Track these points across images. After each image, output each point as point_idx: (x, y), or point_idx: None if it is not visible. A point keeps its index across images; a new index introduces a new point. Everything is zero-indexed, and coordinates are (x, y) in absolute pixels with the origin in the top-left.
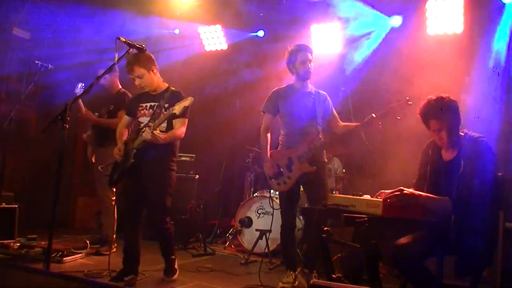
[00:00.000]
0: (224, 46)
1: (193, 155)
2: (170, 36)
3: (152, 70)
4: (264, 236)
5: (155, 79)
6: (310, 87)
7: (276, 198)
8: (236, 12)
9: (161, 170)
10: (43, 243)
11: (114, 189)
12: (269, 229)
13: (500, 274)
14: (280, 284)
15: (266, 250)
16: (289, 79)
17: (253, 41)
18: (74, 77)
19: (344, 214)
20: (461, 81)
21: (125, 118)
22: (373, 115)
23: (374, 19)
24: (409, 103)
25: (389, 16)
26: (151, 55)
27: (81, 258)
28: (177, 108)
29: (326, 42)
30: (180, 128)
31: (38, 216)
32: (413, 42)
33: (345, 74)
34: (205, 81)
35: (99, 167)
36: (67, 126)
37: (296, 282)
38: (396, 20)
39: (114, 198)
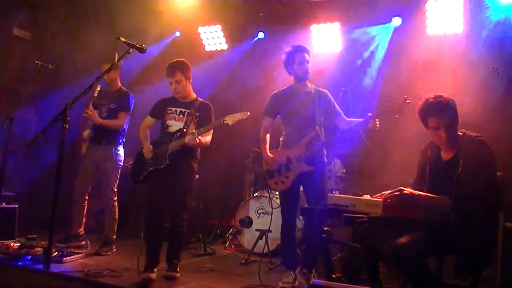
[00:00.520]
0: (224, 46)
1: None
2: (170, 36)
3: (189, 79)
4: (264, 236)
5: (188, 88)
6: (310, 86)
7: (276, 198)
8: (236, 12)
9: (190, 172)
10: (43, 243)
11: (116, 190)
12: (269, 229)
13: (500, 274)
14: (280, 284)
15: (266, 250)
16: (290, 78)
17: (253, 41)
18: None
19: (344, 214)
20: (461, 81)
21: (149, 120)
22: (369, 114)
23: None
24: (407, 101)
25: (390, 20)
26: (189, 64)
27: (81, 258)
28: (230, 120)
29: (326, 42)
30: (208, 136)
31: (38, 216)
32: (413, 42)
33: (345, 74)
34: (205, 81)
35: (126, 165)
36: (67, 126)
37: (296, 282)
38: (396, 20)
39: (116, 198)
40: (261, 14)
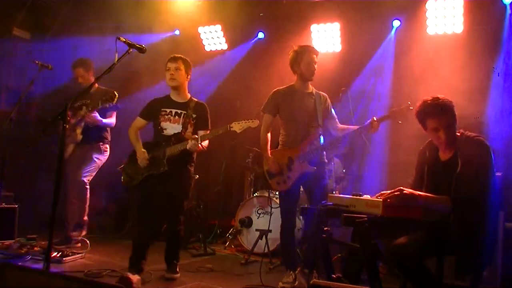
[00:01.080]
0: (224, 46)
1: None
2: (170, 36)
3: (188, 74)
4: (264, 236)
5: (185, 84)
6: (311, 88)
7: (276, 198)
8: (236, 12)
9: (188, 177)
10: (43, 243)
11: (92, 175)
12: (269, 229)
13: (500, 274)
14: (280, 284)
15: (266, 250)
16: (290, 78)
17: (253, 41)
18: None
19: (344, 214)
20: (461, 81)
21: (140, 121)
22: (374, 118)
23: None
24: (411, 108)
25: (391, 25)
26: (191, 64)
27: (81, 258)
28: (238, 127)
29: (326, 42)
30: (206, 141)
31: (38, 216)
32: (413, 42)
33: (345, 74)
34: (205, 81)
35: (96, 161)
36: (67, 126)
37: (296, 282)
38: (396, 21)
39: (88, 182)
40: (261, 14)
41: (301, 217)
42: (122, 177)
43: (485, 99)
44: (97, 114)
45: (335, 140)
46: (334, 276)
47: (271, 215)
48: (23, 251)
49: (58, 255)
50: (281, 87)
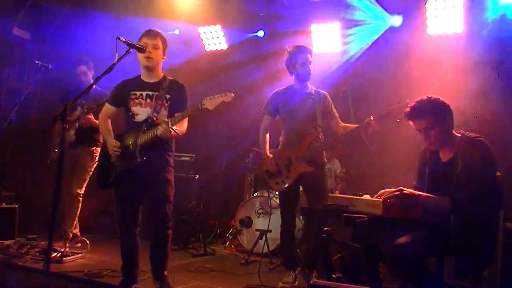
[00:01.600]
0: (224, 46)
1: (193, 155)
2: (170, 36)
3: (164, 54)
4: (264, 236)
5: (160, 64)
6: (310, 87)
7: (276, 198)
8: (236, 12)
9: (167, 168)
10: (43, 243)
11: (84, 186)
12: (269, 229)
13: (500, 274)
14: (280, 284)
15: (266, 250)
16: (290, 78)
17: (253, 41)
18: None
19: (344, 214)
20: (461, 81)
21: (109, 108)
22: (371, 117)
23: (374, 14)
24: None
25: (390, 14)
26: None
27: (81, 258)
28: (210, 104)
29: (326, 42)
30: (185, 123)
31: (38, 216)
32: (413, 42)
33: (345, 74)
34: (205, 81)
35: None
36: (67, 126)
37: (296, 282)
38: (396, 20)
39: (82, 193)
40: (261, 14)
41: (301, 217)
42: (96, 178)
43: (485, 99)
44: (92, 116)
45: (334, 140)
46: (334, 276)
47: (270, 215)
48: (23, 251)
49: (58, 255)
50: (280, 88)
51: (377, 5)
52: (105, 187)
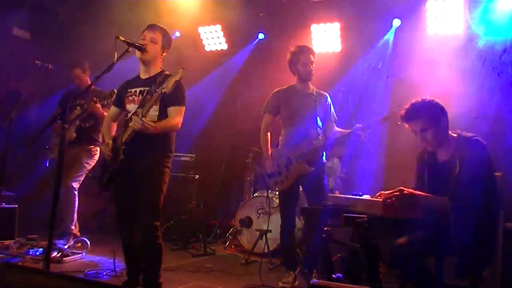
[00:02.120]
0: (224, 46)
1: (193, 155)
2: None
3: (164, 51)
4: (264, 236)
5: (157, 60)
6: (312, 88)
7: (276, 198)
8: (236, 12)
9: (154, 167)
10: (43, 243)
11: (80, 180)
12: (269, 229)
13: (500, 274)
14: (280, 284)
15: (266, 250)
16: (290, 79)
17: (253, 41)
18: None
19: (344, 214)
20: (461, 81)
21: (112, 110)
22: (360, 125)
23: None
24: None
25: (391, 24)
26: (171, 42)
27: (81, 258)
28: (167, 86)
29: (326, 42)
30: (176, 118)
31: (38, 216)
32: (413, 42)
33: (345, 74)
34: (205, 81)
35: (89, 174)
36: (67, 126)
37: (296, 282)
38: (396, 20)
39: (77, 188)
40: (261, 14)
41: (301, 217)
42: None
43: (485, 99)
44: (99, 106)
45: (335, 141)
46: (334, 276)
47: (270, 215)
48: (23, 251)
49: (58, 255)
50: (281, 88)
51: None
52: (102, 188)
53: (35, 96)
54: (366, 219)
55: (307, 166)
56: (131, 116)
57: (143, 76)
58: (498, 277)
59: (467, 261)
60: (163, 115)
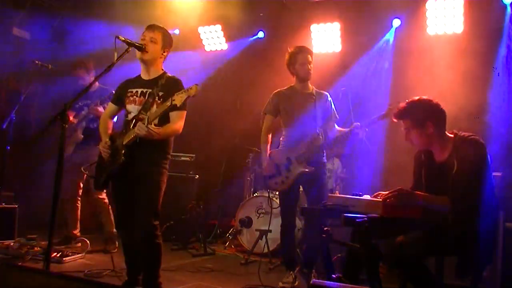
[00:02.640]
0: (224, 46)
1: (193, 155)
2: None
3: (164, 51)
4: (264, 236)
5: (158, 60)
6: (311, 88)
7: (276, 198)
8: (236, 12)
9: (153, 170)
10: (43, 243)
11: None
12: (269, 229)
13: (500, 274)
14: (280, 284)
15: (266, 250)
16: (290, 79)
17: (253, 41)
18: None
19: (344, 214)
20: (461, 81)
21: (111, 107)
22: (358, 123)
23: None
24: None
25: (391, 24)
26: (172, 42)
27: (81, 258)
28: (179, 99)
29: (326, 42)
30: (178, 122)
31: (38, 216)
32: (413, 42)
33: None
34: (205, 81)
35: (81, 168)
36: (67, 126)
37: (296, 282)
38: (396, 20)
39: (105, 195)
40: (261, 14)
41: (301, 217)
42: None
43: (485, 99)
44: (101, 109)
45: (334, 140)
46: (334, 276)
47: (270, 215)
48: (23, 251)
49: (58, 255)
50: (281, 88)
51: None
52: (99, 187)
53: (35, 96)
54: (366, 219)
55: (307, 166)
56: (133, 118)
57: (145, 76)
58: (498, 277)
59: (467, 261)
60: (165, 119)
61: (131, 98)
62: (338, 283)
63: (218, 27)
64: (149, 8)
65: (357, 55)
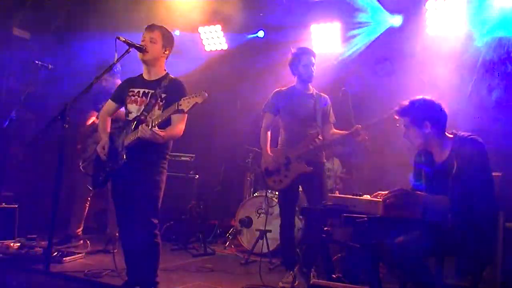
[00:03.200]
0: (224, 46)
1: (193, 155)
2: None
3: (166, 50)
4: (264, 236)
5: (160, 60)
6: (312, 89)
7: (276, 198)
8: (236, 12)
9: (153, 170)
10: (43, 243)
11: None
12: (269, 229)
13: (500, 274)
14: (280, 284)
15: (266, 250)
16: (290, 78)
17: (253, 41)
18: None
19: (344, 214)
20: (461, 81)
21: (110, 104)
22: (359, 126)
23: (372, 13)
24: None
25: (390, 13)
26: (174, 41)
27: (81, 258)
28: (186, 104)
29: (326, 42)
30: (179, 125)
31: (38, 216)
32: (413, 42)
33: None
34: (205, 81)
35: (80, 166)
36: (67, 126)
37: (296, 282)
38: (396, 20)
39: None
40: (261, 14)
41: (301, 217)
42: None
43: (485, 100)
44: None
45: (332, 142)
46: (334, 276)
47: (269, 214)
48: (23, 251)
49: (58, 255)
50: (282, 88)
51: (378, 4)
52: (96, 186)
53: (35, 96)
54: (366, 219)
55: (306, 166)
56: (134, 119)
57: (147, 77)
58: (498, 277)
59: (467, 261)
60: (167, 121)
61: (133, 98)
62: (338, 283)
63: (218, 27)
64: (149, 9)
65: (357, 55)
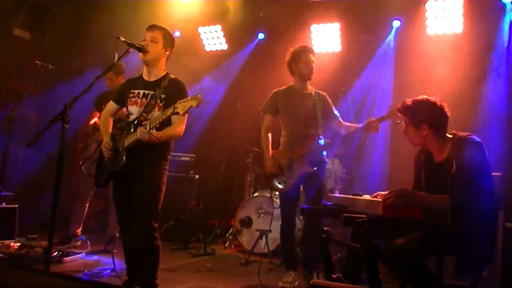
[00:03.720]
0: (224, 46)
1: (193, 155)
2: None
3: (166, 50)
4: (264, 236)
5: (161, 60)
6: (310, 88)
7: (276, 198)
8: (236, 12)
9: (153, 170)
10: (43, 243)
11: None
12: (269, 229)
13: (500, 274)
14: (280, 284)
15: (266, 250)
16: (290, 79)
17: (253, 40)
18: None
19: (344, 214)
20: (460, 81)
21: (111, 105)
22: (372, 118)
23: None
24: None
25: (391, 25)
26: (175, 41)
27: (81, 258)
28: (181, 108)
29: (326, 42)
30: (180, 126)
31: (38, 216)
32: (413, 42)
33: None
34: (205, 81)
35: (82, 167)
36: (67, 126)
37: (296, 282)
38: (396, 22)
39: None
40: (261, 14)
41: (301, 217)
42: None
43: (485, 99)
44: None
45: (334, 139)
46: (334, 276)
47: (272, 215)
48: (23, 251)
49: (58, 255)
50: (280, 88)
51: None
52: (98, 186)
53: (35, 96)
54: (366, 219)
55: (309, 166)
56: (134, 120)
57: (147, 77)
58: (498, 277)
59: (467, 261)
60: (167, 122)
61: (133, 99)
62: (338, 283)
63: (218, 27)
64: (149, 9)
65: (357, 55)
